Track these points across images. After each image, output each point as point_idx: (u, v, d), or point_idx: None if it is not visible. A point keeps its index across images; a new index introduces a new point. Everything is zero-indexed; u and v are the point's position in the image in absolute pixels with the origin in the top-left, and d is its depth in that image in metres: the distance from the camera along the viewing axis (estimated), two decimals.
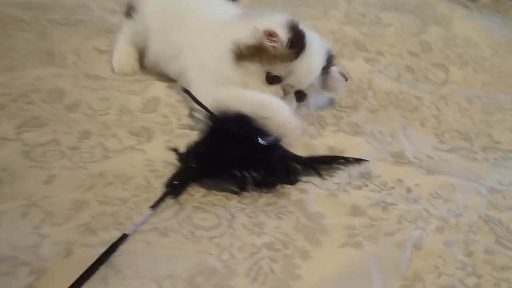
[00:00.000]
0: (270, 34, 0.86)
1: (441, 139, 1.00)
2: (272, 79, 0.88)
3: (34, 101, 0.89)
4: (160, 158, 0.79)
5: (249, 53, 0.86)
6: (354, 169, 0.84)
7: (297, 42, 0.87)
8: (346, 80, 1.02)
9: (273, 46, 0.86)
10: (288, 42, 0.86)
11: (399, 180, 0.83)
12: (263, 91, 0.86)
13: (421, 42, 1.42)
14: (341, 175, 0.82)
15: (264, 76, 0.87)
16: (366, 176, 0.83)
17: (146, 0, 1.08)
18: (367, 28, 1.49)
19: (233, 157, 0.74)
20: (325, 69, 0.94)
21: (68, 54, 1.09)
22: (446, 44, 1.45)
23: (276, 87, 0.88)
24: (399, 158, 0.90)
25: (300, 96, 0.93)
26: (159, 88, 1.00)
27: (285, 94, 0.89)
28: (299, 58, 0.87)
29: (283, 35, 0.86)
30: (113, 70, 1.05)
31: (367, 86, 1.15)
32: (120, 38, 1.10)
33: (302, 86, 0.91)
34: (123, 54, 1.07)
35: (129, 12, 1.10)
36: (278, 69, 0.87)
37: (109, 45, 1.15)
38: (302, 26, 0.91)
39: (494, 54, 1.44)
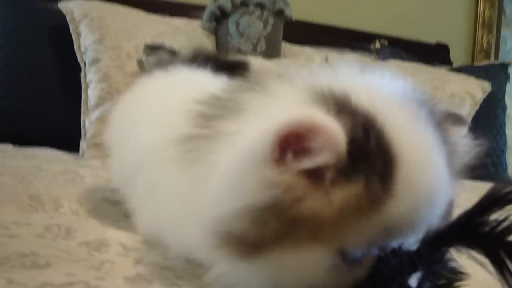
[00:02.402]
0: (300, 137, 0.33)
1: None
2: (350, 256, 0.35)
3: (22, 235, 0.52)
4: None
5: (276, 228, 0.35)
6: None
7: (374, 145, 0.34)
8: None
9: (313, 172, 0.34)
10: (352, 148, 0.33)
11: None
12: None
13: None
14: None
15: (331, 260, 0.35)
16: None
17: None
18: None
19: None
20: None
21: (64, 201, 0.72)
22: None
23: (361, 266, 0.36)
24: None
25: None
26: None
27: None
28: (395, 177, 0.34)
29: (334, 128, 0.33)
30: None
31: None
32: None
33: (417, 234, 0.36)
34: None
35: None
36: (359, 232, 0.34)
37: (120, 198, 0.81)
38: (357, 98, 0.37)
39: None
